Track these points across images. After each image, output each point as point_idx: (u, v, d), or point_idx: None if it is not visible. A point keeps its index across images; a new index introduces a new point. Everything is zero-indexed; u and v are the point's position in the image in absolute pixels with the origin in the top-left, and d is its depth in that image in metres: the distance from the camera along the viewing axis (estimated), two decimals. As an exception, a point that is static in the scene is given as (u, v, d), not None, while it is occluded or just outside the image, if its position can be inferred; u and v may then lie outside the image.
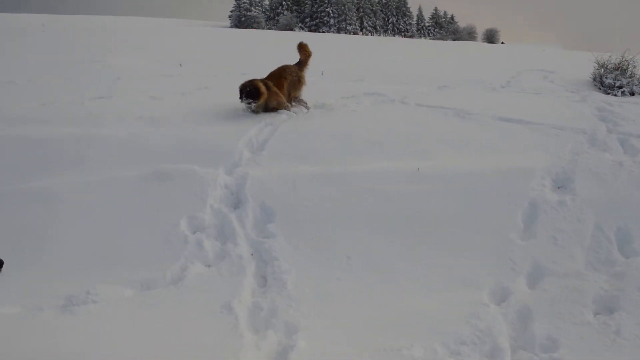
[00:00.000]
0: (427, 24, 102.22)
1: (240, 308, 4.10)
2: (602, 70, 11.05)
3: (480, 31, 78.74)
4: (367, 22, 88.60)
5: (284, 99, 7.69)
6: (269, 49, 17.36)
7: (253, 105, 7.41)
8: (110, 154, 6.12)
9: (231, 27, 66.77)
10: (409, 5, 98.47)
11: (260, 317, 4.07)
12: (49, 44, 15.64)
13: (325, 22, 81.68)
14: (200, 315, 4.06)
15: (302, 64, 8.17)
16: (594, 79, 11.15)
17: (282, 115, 7.58)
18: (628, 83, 10.44)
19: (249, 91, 7.34)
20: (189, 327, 3.91)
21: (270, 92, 7.48)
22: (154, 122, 7.13)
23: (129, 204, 5.33)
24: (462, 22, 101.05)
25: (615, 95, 10.16)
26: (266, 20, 78.49)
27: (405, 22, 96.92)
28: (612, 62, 11.09)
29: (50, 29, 20.84)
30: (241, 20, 74.44)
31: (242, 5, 77.61)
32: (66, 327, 3.95)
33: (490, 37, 73.88)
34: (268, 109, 7.59)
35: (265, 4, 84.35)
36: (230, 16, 78.41)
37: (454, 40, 63.53)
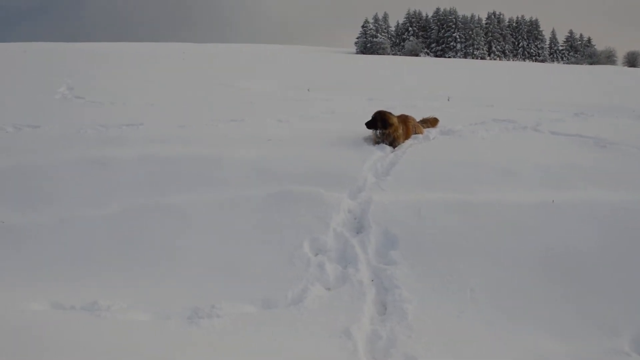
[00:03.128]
0: (560, 48, 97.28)
1: (359, 335, 4.03)
2: None
3: (620, 54, 73.57)
4: (495, 47, 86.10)
5: (402, 139, 7.64)
6: (394, 75, 17.40)
7: (379, 132, 7.42)
8: (239, 174, 6.38)
9: (357, 53, 68.05)
10: (541, 29, 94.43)
11: (379, 346, 3.97)
12: (188, 70, 16.83)
13: (451, 47, 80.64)
14: (319, 338, 4.04)
15: (425, 122, 8.29)
16: None
17: (408, 140, 7.50)
18: None
19: (381, 119, 7.39)
20: (307, 348, 3.90)
21: (399, 126, 7.49)
22: (281, 144, 7.35)
23: (254, 223, 5.50)
24: (599, 45, 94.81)
25: None
26: (392, 46, 79.07)
27: (536, 45, 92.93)
28: None
29: (189, 56, 22.46)
30: (367, 46, 75.65)
31: (368, 32, 78.94)
32: (191, 338, 4.12)
33: (632, 61, 68.68)
34: (389, 141, 7.50)
35: (391, 30, 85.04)
36: (356, 42, 79.99)
37: (591, 64, 59.79)
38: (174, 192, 6.12)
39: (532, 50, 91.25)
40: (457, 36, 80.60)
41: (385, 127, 7.36)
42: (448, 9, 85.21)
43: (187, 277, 4.95)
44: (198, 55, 24.06)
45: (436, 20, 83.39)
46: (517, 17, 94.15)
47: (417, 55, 65.31)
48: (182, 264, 5.10)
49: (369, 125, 7.46)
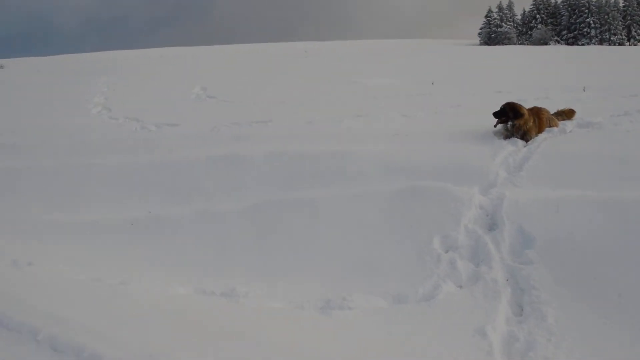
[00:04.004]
0: None
1: (494, 335, 3.90)
2: None
3: None
4: (635, 31, 79.00)
5: (534, 132, 7.16)
6: (523, 66, 16.58)
7: (509, 125, 7.07)
8: (367, 169, 6.42)
9: (480, 44, 65.64)
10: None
11: (516, 348, 3.81)
12: (311, 68, 17.21)
13: (584, 33, 75.16)
14: (452, 336, 3.96)
15: (560, 114, 7.72)
16: None
17: (542, 134, 7.11)
18: None
19: (511, 110, 7.01)
20: (439, 347, 3.84)
21: (530, 118, 7.06)
22: (407, 139, 7.30)
23: (383, 218, 5.51)
24: None
25: None
26: (518, 36, 75.37)
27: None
28: None
29: (312, 54, 22.93)
30: (491, 37, 72.76)
31: (492, 22, 75.85)
32: (323, 328, 4.23)
33: None
34: (520, 134, 7.08)
35: (517, 19, 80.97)
36: (479, 33, 77.14)
37: None
38: (304, 187, 6.29)
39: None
40: (591, 21, 74.93)
41: (516, 117, 6.95)
42: (580, -7, 79.72)
43: (317, 269, 5.09)
44: (321, 53, 24.48)
45: (566, 6, 78.10)
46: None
47: (546, 44, 61.61)
48: (313, 256, 5.24)
49: (497, 115, 7.08)
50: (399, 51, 22.21)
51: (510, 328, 4.01)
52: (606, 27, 74.92)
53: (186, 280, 5.13)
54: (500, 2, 78.98)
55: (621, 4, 78.67)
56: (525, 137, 7.02)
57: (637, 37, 78.59)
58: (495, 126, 7.17)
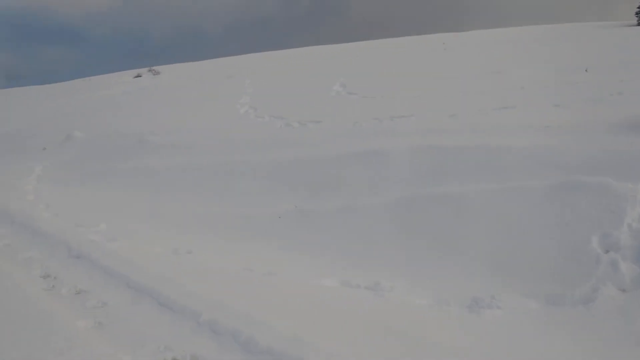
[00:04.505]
0: None
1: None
2: None
3: None
4: None
5: None
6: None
7: None
8: (517, 163, 6.10)
9: (638, 24, 59.68)
10: None
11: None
12: (450, 60, 16.69)
13: None
14: (613, 345, 3.67)
15: None
16: None
17: None
18: None
19: None
20: (600, 355, 3.57)
21: None
22: (560, 131, 6.83)
23: (535, 214, 5.21)
24: None
25: None
26: (686, 13, 67.33)
27: None
28: None
29: (450, 46, 22.25)
30: (652, 15, 65.80)
31: (654, -1, 68.56)
32: (471, 327, 4.11)
33: None
34: None
35: (684, -5, 72.30)
36: (637, 13, 70.22)
37: None
38: (449, 181, 6.15)
39: None
40: None
41: None
42: None
43: (464, 265, 4.96)
44: (460, 43, 23.71)
45: None
46: None
47: None
48: (459, 252, 5.12)
49: None
50: (547, 37, 20.83)
51: (684, 338, 3.63)
52: None
53: (331, 272, 5.26)
54: (664, -24, 71.01)
55: None
56: None
57: None
58: None
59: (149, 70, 32.77)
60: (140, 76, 31.20)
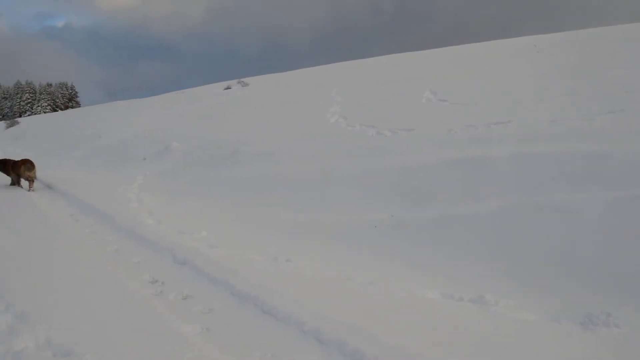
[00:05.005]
0: None
1: None
2: None
3: None
4: None
5: None
6: None
7: None
8: (628, 171, 5.72)
9: None
10: None
11: None
12: (544, 63, 15.98)
13: None
14: None
15: None
16: None
17: None
18: None
19: None
20: None
21: None
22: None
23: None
24: None
25: None
26: None
27: None
28: None
29: (542, 48, 21.35)
30: None
31: None
32: (585, 344, 3.88)
33: None
34: None
35: None
36: None
37: None
38: (553, 190, 5.87)
39: None
40: None
41: None
42: None
43: (575, 279, 4.72)
44: (552, 45, 22.74)
45: None
46: None
47: None
48: (568, 265, 4.87)
49: None
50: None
51: None
52: None
53: (431, 283, 5.15)
54: None
55: None
56: None
57: None
58: None
59: (238, 82, 33.84)
60: (230, 88, 32.29)
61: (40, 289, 5.17)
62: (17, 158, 12.32)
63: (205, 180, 10.13)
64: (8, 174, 11.56)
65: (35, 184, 11.42)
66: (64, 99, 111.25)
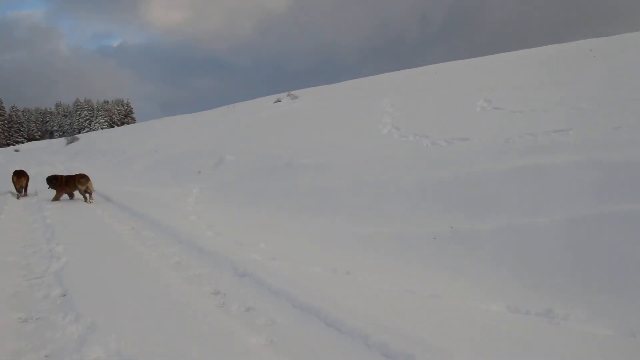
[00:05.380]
0: None
1: None
2: None
3: None
4: None
5: None
6: None
7: None
8: None
9: None
10: None
11: None
12: (603, 67, 15.49)
13: None
14: None
15: None
16: None
17: None
18: None
19: None
20: None
21: None
22: None
23: None
24: None
25: None
26: None
27: None
28: None
29: (598, 52, 20.70)
30: None
31: None
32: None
33: None
34: None
35: None
36: None
37: None
38: (622, 200, 5.64)
39: None
40: None
41: None
42: None
43: (650, 293, 4.49)
44: (607, 49, 22.03)
45: None
46: None
47: None
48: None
49: None
50: None
51: None
52: None
53: (495, 296, 5.03)
54: None
55: None
56: None
57: None
58: None
59: (288, 95, 34.23)
60: (279, 101, 32.68)
61: (108, 299, 5.33)
62: (77, 172, 13.08)
63: (259, 193, 10.24)
64: (61, 190, 12.12)
65: (97, 197, 11.91)
66: (120, 115, 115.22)
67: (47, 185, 12.17)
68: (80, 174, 12.16)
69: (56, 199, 11.95)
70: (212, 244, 7.06)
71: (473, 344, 3.93)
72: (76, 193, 12.15)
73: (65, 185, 12.01)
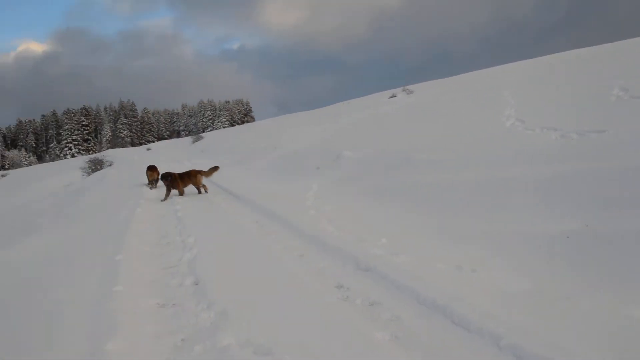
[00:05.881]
0: None
1: None
2: None
3: None
4: None
5: None
6: None
7: None
8: None
9: None
10: None
11: None
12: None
13: None
14: None
15: None
16: None
17: None
18: None
19: None
20: None
21: None
22: None
23: None
24: None
25: None
26: None
27: None
28: None
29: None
30: None
31: None
32: None
33: None
34: None
35: None
36: None
37: None
38: None
39: None
40: None
41: None
42: None
43: None
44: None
45: None
46: None
47: None
48: None
49: None
50: None
51: None
52: None
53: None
54: None
55: None
56: None
57: None
58: None
59: (403, 90, 33.90)
60: (395, 96, 32.48)
61: (237, 289, 5.57)
62: (204, 168, 14.48)
63: (378, 188, 10.21)
64: (172, 186, 13.31)
65: (221, 192, 12.82)
66: (240, 114, 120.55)
67: (163, 182, 13.61)
68: (192, 170, 13.74)
69: (168, 194, 13.17)
70: (333, 238, 7.14)
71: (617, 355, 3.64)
72: (187, 189, 13.48)
73: (180, 180, 13.35)
